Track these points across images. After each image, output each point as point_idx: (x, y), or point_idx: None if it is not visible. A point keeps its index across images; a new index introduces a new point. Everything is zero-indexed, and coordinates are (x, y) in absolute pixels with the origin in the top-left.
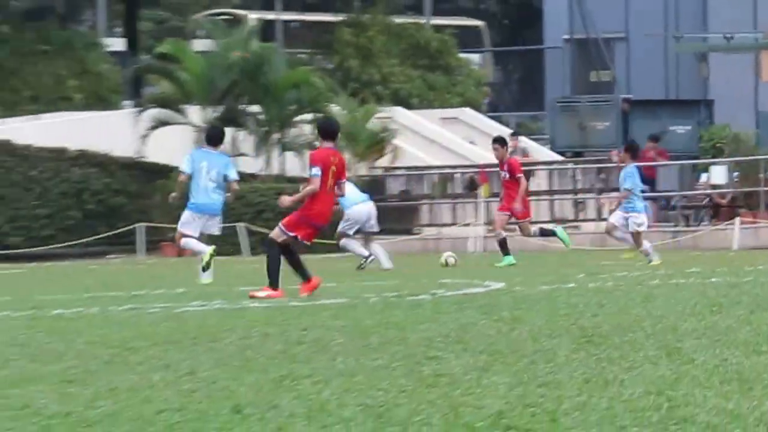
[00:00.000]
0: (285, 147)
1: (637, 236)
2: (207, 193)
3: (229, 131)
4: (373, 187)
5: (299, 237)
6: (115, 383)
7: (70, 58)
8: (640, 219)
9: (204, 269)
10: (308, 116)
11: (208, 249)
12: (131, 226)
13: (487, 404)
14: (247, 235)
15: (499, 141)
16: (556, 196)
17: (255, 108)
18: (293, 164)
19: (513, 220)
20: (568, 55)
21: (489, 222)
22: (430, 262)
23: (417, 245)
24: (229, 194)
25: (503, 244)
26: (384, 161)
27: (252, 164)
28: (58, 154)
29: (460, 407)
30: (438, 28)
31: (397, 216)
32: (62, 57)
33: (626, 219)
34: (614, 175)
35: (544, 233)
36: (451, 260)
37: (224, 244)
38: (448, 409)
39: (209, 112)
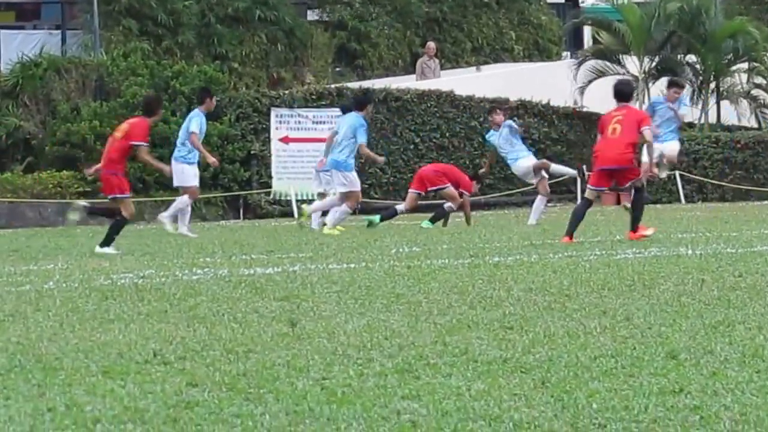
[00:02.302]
0: (721, 96)
1: None
2: None
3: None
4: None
5: None
6: (552, 329)
7: (511, 10)
8: None
9: None
10: (744, 65)
11: None
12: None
13: None
14: (683, 183)
15: None
16: None
17: (692, 58)
18: (729, 113)
19: None
20: None
21: None
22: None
23: None
24: None
25: None
26: None
27: (689, 113)
28: (499, 105)
29: None
30: None
31: None
32: (503, 8)
33: None
34: None
35: None
36: None
37: (662, 192)
38: None
39: (646, 63)
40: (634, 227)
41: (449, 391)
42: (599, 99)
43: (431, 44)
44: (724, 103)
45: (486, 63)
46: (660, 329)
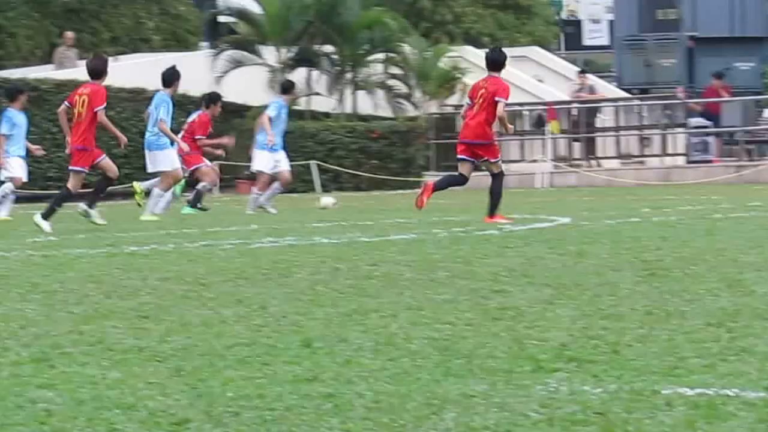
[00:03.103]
0: (357, 86)
1: None
2: None
3: (303, 71)
4: (443, 124)
5: None
6: (187, 318)
7: (150, 1)
8: None
9: None
10: (380, 56)
11: None
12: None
13: (551, 337)
14: (319, 172)
15: None
16: (621, 132)
17: (329, 48)
18: (365, 103)
19: None
20: None
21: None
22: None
23: (485, 181)
24: None
25: None
26: (454, 99)
27: (325, 103)
28: (136, 95)
29: (524, 340)
30: None
31: None
32: None
33: None
34: (679, 111)
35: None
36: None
37: (298, 182)
38: (512, 341)
39: (284, 53)
40: (492, 213)
41: (84, 379)
42: (236, 89)
43: (69, 34)
44: (361, 93)
45: (124, 53)
46: (295, 318)
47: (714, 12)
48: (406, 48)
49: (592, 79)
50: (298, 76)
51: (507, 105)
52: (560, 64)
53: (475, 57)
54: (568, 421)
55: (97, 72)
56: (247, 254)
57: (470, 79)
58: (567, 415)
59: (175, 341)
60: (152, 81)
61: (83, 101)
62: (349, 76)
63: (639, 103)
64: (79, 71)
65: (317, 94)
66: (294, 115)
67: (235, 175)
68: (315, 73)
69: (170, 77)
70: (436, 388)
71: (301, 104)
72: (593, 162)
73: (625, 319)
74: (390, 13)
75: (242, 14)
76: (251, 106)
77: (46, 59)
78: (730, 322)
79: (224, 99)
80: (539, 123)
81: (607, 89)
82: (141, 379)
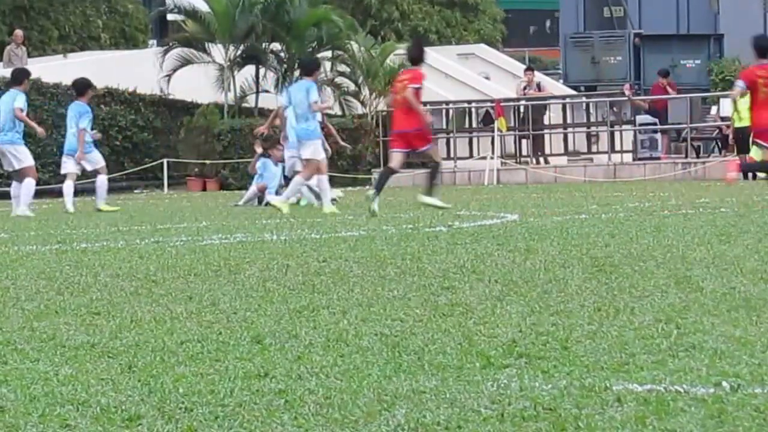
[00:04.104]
0: None
1: None
2: None
3: (250, 69)
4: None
5: None
6: (139, 315)
7: None
8: None
9: None
10: (328, 54)
11: None
12: (157, 162)
13: (500, 333)
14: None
15: None
16: (569, 130)
17: (276, 46)
18: None
19: None
20: None
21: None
22: (447, 194)
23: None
24: None
25: None
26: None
27: (273, 101)
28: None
29: (474, 336)
30: None
31: None
32: None
33: None
34: (626, 108)
35: None
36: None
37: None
38: (462, 337)
39: (232, 51)
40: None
41: (37, 375)
42: (185, 87)
43: (18, 32)
44: None
45: (73, 51)
46: (245, 314)
47: (660, 9)
48: (354, 46)
49: (539, 76)
50: (246, 74)
51: (456, 102)
52: (507, 61)
53: None
54: (518, 417)
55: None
56: (198, 251)
57: None
58: (518, 411)
59: (126, 337)
60: (102, 79)
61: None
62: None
63: (586, 100)
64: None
65: (265, 91)
66: (243, 112)
67: (186, 173)
68: (263, 70)
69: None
70: (387, 384)
71: (250, 102)
72: (541, 159)
73: (574, 316)
74: (337, 10)
75: (190, 12)
76: (200, 103)
77: None
78: (679, 318)
79: (173, 97)
80: (487, 120)
81: (554, 86)
82: (93, 376)
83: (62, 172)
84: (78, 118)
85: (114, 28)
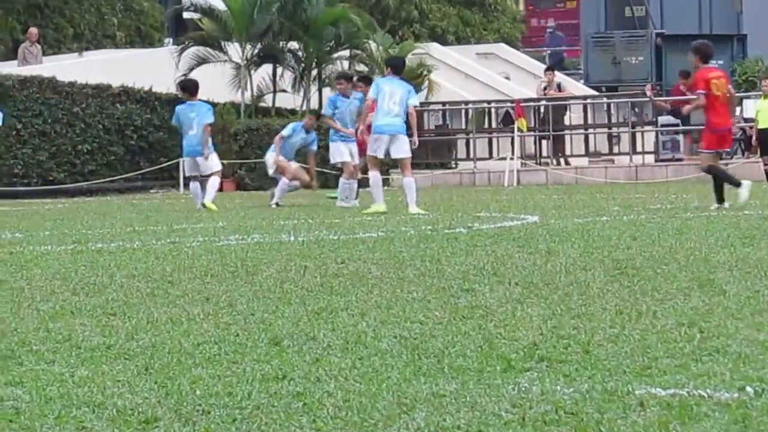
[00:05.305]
0: (323, 83)
1: None
2: None
3: (267, 68)
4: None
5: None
6: (155, 316)
7: None
8: None
9: None
10: (345, 53)
11: None
12: (173, 162)
13: (521, 336)
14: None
15: None
16: (590, 130)
17: (294, 45)
18: None
19: None
20: None
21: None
22: (467, 195)
23: (453, 179)
24: None
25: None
26: (420, 96)
27: (290, 100)
28: (101, 91)
29: (494, 339)
30: None
31: (433, 150)
32: None
33: None
34: (647, 109)
35: None
36: None
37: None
38: (482, 340)
39: (249, 49)
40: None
41: (52, 377)
42: (201, 86)
43: (33, 30)
44: (326, 90)
45: (88, 49)
46: (263, 316)
47: (682, 9)
48: (372, 45)
49: (559, 76)
50: (263, 72)
51: (476, 102)
52: (526, 61)
53: (441, 54)
54: (540, 421)
55: None
56: (214, 252)
57: (436, 76)
58: (539, 415)
59: (142, 339)
60: (117, 77)
61: None
62: (314, 72)
63: (607, 101)
64: (43, 68)
65: (282, 91)
66: (260, 112)
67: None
68: (280, 69)
69: None
70: (407, 387)
71: (267, 101)
72: (561, 160)
73: (596, 319)
74: (355, 9)
75: (206, 10)
76: (216, 103)
77: (11, 55)
78: (703, 321)
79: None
80: (507, 120)
81: (575, 87)
82: (109, 377)
83: (186, 174)
84: (202, 117)
85: (129, 26)
